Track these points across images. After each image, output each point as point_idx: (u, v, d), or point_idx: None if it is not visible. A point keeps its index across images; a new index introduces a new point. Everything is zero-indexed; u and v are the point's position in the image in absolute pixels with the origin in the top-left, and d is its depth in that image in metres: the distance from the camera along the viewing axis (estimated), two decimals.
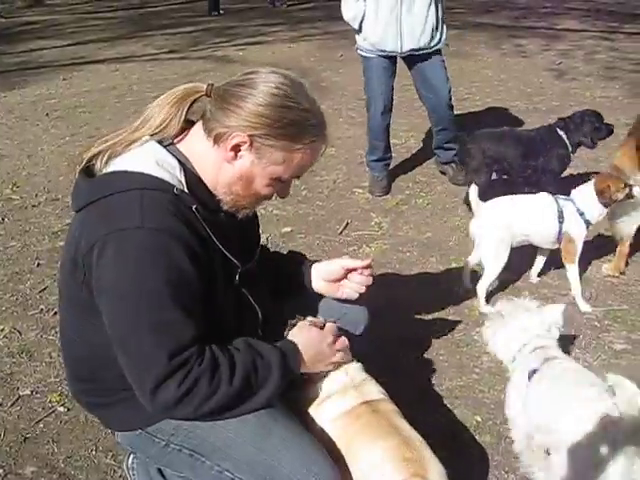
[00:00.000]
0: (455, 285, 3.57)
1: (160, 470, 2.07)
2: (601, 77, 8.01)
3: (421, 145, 5.87)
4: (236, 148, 1.79)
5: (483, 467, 2.42)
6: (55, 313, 3.42)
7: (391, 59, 4.71)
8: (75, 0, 19.20)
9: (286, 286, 2.30)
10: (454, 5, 14.61)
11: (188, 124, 1.90)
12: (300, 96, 1.81)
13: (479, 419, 2.65)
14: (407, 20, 4.43)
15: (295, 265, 2.32)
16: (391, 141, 5.74)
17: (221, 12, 14.20)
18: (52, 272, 3.86)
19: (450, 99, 4.86)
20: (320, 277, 2.27)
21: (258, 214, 2.20)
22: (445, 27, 4.65)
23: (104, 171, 1.80)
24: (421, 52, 4.61)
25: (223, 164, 1.83)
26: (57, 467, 2.46)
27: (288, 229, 4.37)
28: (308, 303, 2.29)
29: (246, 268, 1.97)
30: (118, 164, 1.78)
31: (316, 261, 2.35)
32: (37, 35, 13.03)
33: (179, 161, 1.81)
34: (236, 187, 1.86)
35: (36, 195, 5.08)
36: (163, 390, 1.66)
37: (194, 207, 1.76)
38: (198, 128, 1.86)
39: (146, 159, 1.77)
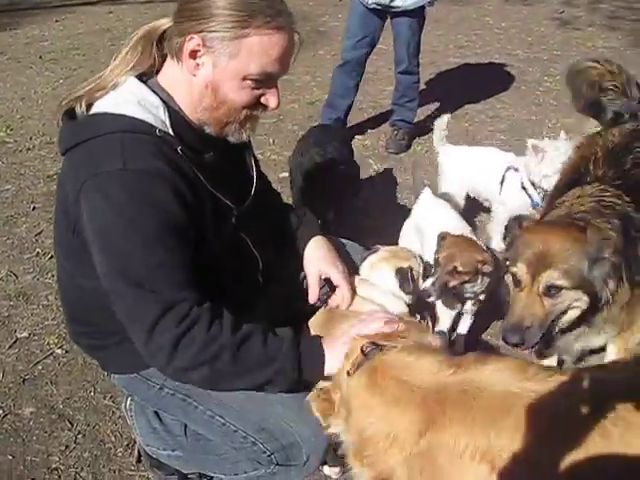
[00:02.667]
0: None
1: (157, 412, 2.09)
2: (604, 27, 7.90)
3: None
4: (194, 55, 1.69)
5: None
6: (51, 256, 3.41)
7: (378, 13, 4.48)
8: None
9: (283, 244, 2.22)
10: None
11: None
12: None
13: None
14: None
15: (301, 233, 2.22)
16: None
17: None
18: (48, 215, 3.84)
19: (413, 64, 4.68)
20: (311, 262, 2.14)
21: None
22: None
23: (87, 113, 1.74)
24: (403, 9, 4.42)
25: (192, 81, 1.74)
26: (56, 408, 2.48)
27: (285, 174, 4.34)
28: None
29: (243, 211, 1.92)
30: (100, 106, 1.73)
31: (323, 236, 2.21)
32: None
33: (161, 99, 1.75)
34: (207, 99, 1.75)
35: (30, 138, 5.02)
36: (158, 333, 1.60)
37: (179, 148, 1.70)
38: (169, 58, 1.79)
39: (128, 100, 1.71)
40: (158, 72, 1.80)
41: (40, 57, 7.23)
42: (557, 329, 2.07)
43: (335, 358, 1.68)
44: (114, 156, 1.62)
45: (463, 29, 7.91)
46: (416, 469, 1.42)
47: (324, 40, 7.43)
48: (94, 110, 1.73)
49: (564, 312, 2.02)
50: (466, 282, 2.41)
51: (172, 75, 1.77)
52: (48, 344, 2.82)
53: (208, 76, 1.71)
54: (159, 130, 1.69)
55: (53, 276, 3.25)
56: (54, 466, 2.24)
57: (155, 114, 1.71)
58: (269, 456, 1.79)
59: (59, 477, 2.20)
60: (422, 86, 5.93)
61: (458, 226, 2.79)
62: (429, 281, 2.36)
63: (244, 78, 1.70)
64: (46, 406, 2.49)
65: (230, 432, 1.83)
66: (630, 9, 8.67)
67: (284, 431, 1.76)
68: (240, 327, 1.67)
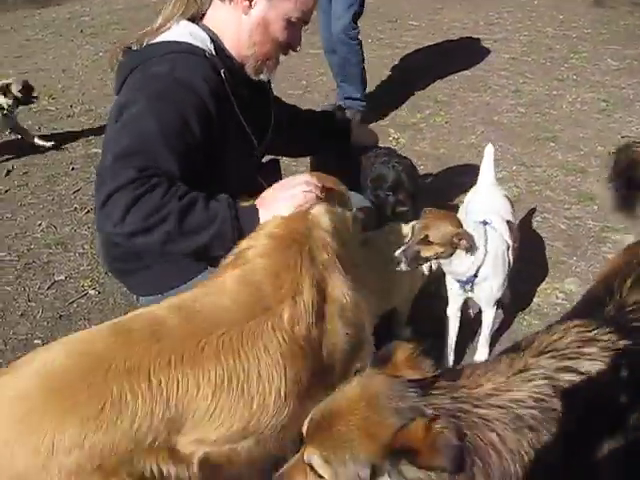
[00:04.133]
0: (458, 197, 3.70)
1: None
2: (639, 6, 7.85)
3: (443, 67, 5.90)
4: None
5: None
6: (88, 211, 3.68)
7: None
8: None
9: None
10: None
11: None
12: None
13: None
14: None
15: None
16: (415, 63, 5.86)
17: None
18: (86, 175, 4.11)
19: (346, 35, 4.65)
20: None
21: None
22: None
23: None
24: None
25: (241, 18, 2.07)
26: None
27: None
28: None
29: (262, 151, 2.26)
30: (157, 38, 2.06)
31: None
32: None
33: (209, 36, 2.07)
34: (256, 36, 2.09)
35: (71, 106, 5.30)
36: (117, 196, 1.74)
37: (222, 71, 2.01)
38: (214, 1, 2.11)
39: (181, 32, 2.04)
40: (202, 17, 2.12)
41: (81, 31, 7.52)
42: None
43: (269, 214, 1.86)
44: (165, 64, 1.93)
45: (494, 6, 7.94)
46: None
47: None
48: (151, 41, 2.07)
49: None
50: (440, 255, 2.37)
51: (220, 16, 2.11)
52: (82, 286, 3.08)
53: (261, 13, 2.07)
54: (207, 52, 2.01)
55: (89, 228, 3.51)
56: None
57: (203, 43, 2.03)
58: None
59: None
60: (447, 60, 6.09)
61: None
62: (400, 249, 2.39)
63: (289, 19, 2.08)
64: None
65: None
66: None
67: None
68: (186, 194, 1.82)
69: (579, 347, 1.46)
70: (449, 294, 2.65)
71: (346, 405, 1.28)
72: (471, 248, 2.36)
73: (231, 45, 2.12)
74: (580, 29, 6.98)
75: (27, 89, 4.27)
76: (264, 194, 1.94)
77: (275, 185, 1.96)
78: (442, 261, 2.44)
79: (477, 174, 3.87)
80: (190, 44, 2.01)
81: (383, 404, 1.26)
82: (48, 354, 1.50)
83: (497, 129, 4.64)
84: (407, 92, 5.36)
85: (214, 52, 2.05)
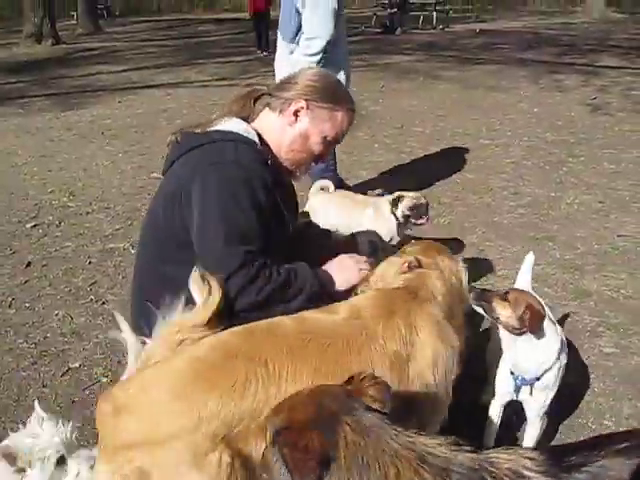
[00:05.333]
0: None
1: None
2: (633, 113, 8.23)
3: (446, 171, 6.18)
4: (296, 113, 2.43)
5: None
6: (103, 303, 3.85)
7: None
8: (133, 28, 20.18)
9: None
10: (499, 41, 15.07)
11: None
12: (336, 76, 2.65)
13: None
14: None
15: None
16: (421, 167, 6.15)
17: (269, 51, 13.05)
18: (102, 269, 4.30)
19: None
20: None
21: None
22: None
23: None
24: None
25: (286, 128, 2.45)
26: None
27: None
28: None
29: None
30: (213, 127, 2.41)
31: None
32: (96, 61, 13.82)
33: (257, 133, 2.42)
34: (296, 145, 2.46)
35: (90, 204, 5.56)
36: (233, 277, 2.14)
37: (269, 161, 2.36)
38: (265, 111, 2.52)
39: (235, 126, 2.39)
40: (250, 120, 2.50)
41: (102, 133, 7.93)
42: None
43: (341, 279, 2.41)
44: (230, 153, 2.27)
45: (496, 113, 8.36)
46: None
47: (363, 123, 7.92)
48: (209, 129, 2.42)
49: None
50: (507, 323, 2.31)
51: (267, 122, 2.50)
52: (96, 373, 3.19)
53: (303, 128, 2.45)
54: (258, 145, 2.36)
55: (104, 319, 3.66)
56: None
57: (253, 138, 2.37)
58: None
59: None
60: (450, 163, 6.38)
61: None
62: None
63: (325, 137, 2.47)
64: (91, 423, 2.82)
65: None
66: None
67: None
68: (281, 269, 2.26)
69: None
70: (497, 390, 2.53)
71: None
72: (536, 331, 2.27)
73: (272, 146, 2.47)
74: (577, 134, 7.32)
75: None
76: (333, 262, 2.46)
77: (341, 257, 2.49)
78: (508, 345, 2.38)
79: (478, 272, 4.08)
80: (245, 136, 2.36)
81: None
82: (196, 347, 1.92)
83: (497, 229, 4.83)
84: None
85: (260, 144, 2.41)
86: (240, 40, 16.96)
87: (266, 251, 2.25)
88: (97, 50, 15.79)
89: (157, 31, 19.54)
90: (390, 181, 5.92)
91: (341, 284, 2.43)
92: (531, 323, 2.24)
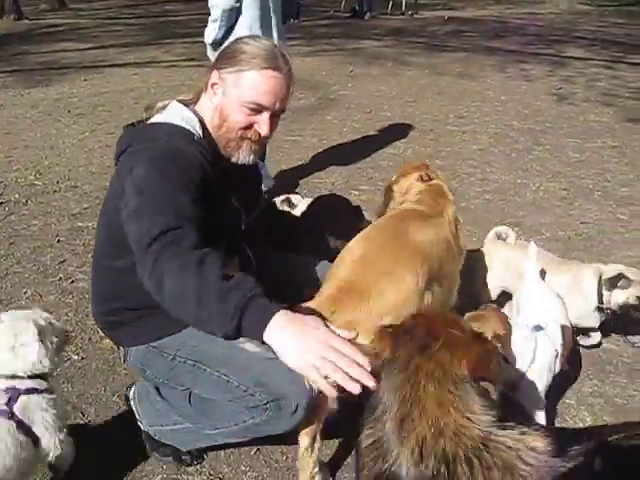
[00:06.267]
0: None
1: (159, 393, 2.48)
2: (598, 103, 8.38)
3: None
4: (214, 86, 2.27)
5: None
6: (72, 281, 3.84)
7: None
8: (98, 5, 19.82)
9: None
10: (467, 29, 15.15)
11: None
12: (251, 38, 2.35)
13: None
14: None
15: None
16: (389, 151, 6.23)
17: None
18: (71, 247, 4.28)
19: None
20: None
21: None
22: None
23: None
24: None
25: (209, 105, 2.31)
26: (70, 402, 2.84)
27: None
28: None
29: (249, 222, 2.43)
30: (153, 119, 2.31)
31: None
32: (60, 37, 13.54)
33: (198, 118, 2.30)
34: (218, 120, 2.28)
35: (57, 182, 5.49)
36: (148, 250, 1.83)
37: (205, 153, 2.21)
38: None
39: (174, 115, 2.27)
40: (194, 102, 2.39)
41: (69, 111, 7.80)
42: None
43: (290, 341, 1.59)
44: (162, 137, 2.17)
45: (464, 100, 8.43)
46: None
47: (332, 107, 7.98)
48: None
49: None
50: None
51: (202, 102, 2.35)
52: (66, 351, 3.17)
53: (219, 100, 2.28)
54: (196, 136, 2.24)
55: (73, 297, 3.66)
56: None
57: (192, 126, 2.25)
58: (265, 405, 2.16)
59: None
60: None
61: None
62: None
63: (242, 104, 2.23)
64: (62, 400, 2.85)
65: (233, 387, 2.21)
66: (624, 87, 9.19)
67: (277, 384, 2.14)
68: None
69: None
70: None
71: None
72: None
73: (209, 128, 2.33)
74: (543, 123, 7.43)
75: None
76: (298, 318, 1.65)
77: (310, 321, 1.65)
78: None
79: None
80: (182, 127, 2.24)
81: None
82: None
83: (464, 214, 4.87)
84: (381, 178, 5.65)
85: (201, 132, 2.28)
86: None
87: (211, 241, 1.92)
88: (61, 27, 15.45)
89: (123, 9, 19.14)
90: (359, 165, 5.97)
91: (288, 355, 1.61)
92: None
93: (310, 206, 3.54)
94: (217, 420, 2.35)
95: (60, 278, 3.90)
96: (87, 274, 3.91)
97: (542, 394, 2.62)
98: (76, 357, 3.16)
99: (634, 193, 5.35)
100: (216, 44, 4.80)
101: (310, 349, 1.55)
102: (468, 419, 1.43)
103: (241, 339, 1.71)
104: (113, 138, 6.53)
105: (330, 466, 2.49)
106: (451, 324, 1.57)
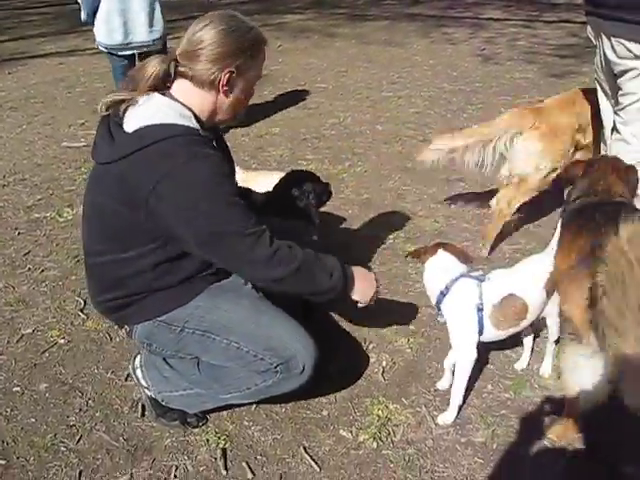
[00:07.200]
0: (389, 235, 4.13)
1: (166, 362, 2.59)
2: (521, 61, 8.71)
3: (356, 123, 6.44)
4: (228, 81, 2.26)
5: None
6: (42, 271, 3.87)
7: None
8: None
9: None
10: None
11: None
12: (236, 20, 2.34)
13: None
14: None
15: None
16: (330, 120, 6.37)
17: None
18: (33, 239, 4.28)
19: None
20: None
21: None
22: None
23: (126, 123, 2.21)
24: None
25: (219, 99, 2.31)
26: (66, 382, 2.91)
27: None
28: None
29: None
30: (146, 118, 2.19)
31: None
32: None
33: (190, 112, 2.28)
34: (232, 108, 2.37)
35: (4, 176, 5.42)
36: (258, 249, 2.18)
37: (213, 142, 2.31)
38: (183, 82, 2.30)
39: (168, 112, 2.20)
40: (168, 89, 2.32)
41: (0, 106, 7.64)
42: None
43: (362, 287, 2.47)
44: (181, 152, 2.13)
45: (394, 67, 8.63)
46: None
47: (266, 82, 8.02)
48: (143, 122, 2.18)
49: None
50: None
51: (191, 94, 2.29)
52: (51, 337, 3.24)
53: (237, 95, 2.34)
54: (199, 131, 2.24)
55: (46, 285, 3.69)
56: (72, 424, 2.66)
57: (190, 120, 2.25)
58: (275, 367, 2.33)
59: (77, 431, 2.62)
60: (358, 116, 6.62)
61: None
62: None
63: (247, 92, 2.38)
64: (57, 382, 2.92)
65: (243, 353, 2.35)
66: (544, 45, 9.55)
67: (284, 347, 2.32)
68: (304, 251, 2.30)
69: None
70: None
71: None
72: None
73: (203, 116, 2.33)
74: (473, 83, 7.70)
75: None
76: (357, 268, 2.50)
77: (364, 270, 2.56)
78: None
79: (400, 213, 4.35)
80: (184, 126, 2.20)
81: None
82: None
83: (412, 175, 5.10)
84: (326, 147, 5.81)
85: (197, 124, 2.26)
86: None
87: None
88: None
89: None
90: (302, 137, 6.10)
91: (358, 293, 2.46)
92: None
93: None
94: (230, 385, 2.48)
95: (29, 269, 3.92)
96: (56, 262, 3.97)
97: (460, 339, 2.64)
98: (62, 341, 3.21)
99: None
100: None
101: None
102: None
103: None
104: (52, 129, 6.62)
105: None
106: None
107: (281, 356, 2.32)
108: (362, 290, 2.47)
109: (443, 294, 2.60)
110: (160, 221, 2.17)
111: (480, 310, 2.55)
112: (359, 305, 2.52)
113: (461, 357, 2.62)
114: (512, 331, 2.69)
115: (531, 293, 2.61)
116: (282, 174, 3.43)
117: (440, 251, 2.68)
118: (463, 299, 2.58)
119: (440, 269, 2.66)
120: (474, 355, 2.59)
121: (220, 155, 2.27)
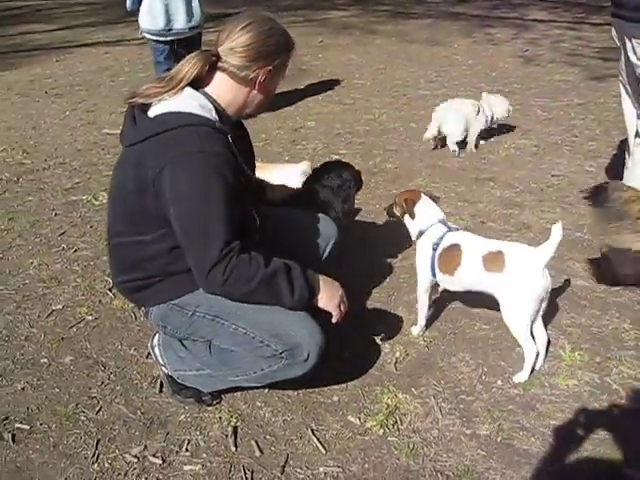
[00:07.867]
0: None
1: (182, 343, 2.70)
2: (563, 63, 8.63)
3: (390, 120, 6.49)
4: (264, 77, 2.42)
5: None
6: (75, 250, 4.02)
7: None
8: None
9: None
10: None
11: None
12: (274, 22, 2.47)
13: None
14: None
15: None
16: (365, 116, 6.44)
17: None
18: (69, 220, 4.45)
19: None
20: None
21: None
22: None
23: (151, 110, 2.34)
24: None
25: (252, 94, 2.46)
26: (91, 357, 3.05)
27: None
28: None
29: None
30: (169, 106, 2.32)
31: None
32: (24, 19, 13.42)
33: (211, 103, 2.40)
34: (265, 100, 2.53)
35: (45, 160, 5.63)
36: (215, 269, 2.22)
37: (229, 136, 2.36)
38: (221, 76, 2.42)
39: (191, 103, 2.32)
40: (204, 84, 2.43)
41: (46, 92, 7.88)
42: None
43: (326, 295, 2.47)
44: (194, 141, 2.24)
45: (434, 66, 8.65)
46: None
47: (305, 77, 8.13)
48: (165, 109, 2.31)
49: None
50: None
51: (224, 89, 2.44)
52: (80, 313, 3.38)
53: (270, 90, 2.52)
54: (217, 123, 2.34)
55: (79, 264, 3.84)
56: (93, 395, 2.79)
57: (210, 112, 2.35)
58: (280, 354, 2.42)
59: (98, 402, 2.74)
60: (393, 113, 6.67)
61: None
62: None
63: (274, 89, 2.55)
64: (82, 356, 3.05)
65: (250, 339, 2.44)
66: (588, 47, 9.43)
67: (290, 334, 2.40)
68: (269, 263, 2.31)
69: None
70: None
71: None
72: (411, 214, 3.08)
73: (231, 109, 2.46)
74: (511, 84, 7.67)
75: None
76: (323, 277, 2.51)
77: (331, 280, 2.54)
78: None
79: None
80: (203, 117, 2.31)
81: None
82: None
83: (442, 172, 5.15)
84: (359, 142, 5.87)
85: (217, 117, 2.37)
86: None
87: (245, 235, 2.32)
88: (23, 9, 15.30)
89: None
90: (337, 131, 6.17)
91: (322, 300, 2.47)
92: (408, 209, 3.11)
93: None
94: (237, 368, 2.58)
95: (63, 248, 4.07)
96: (89, 243, 4.12)
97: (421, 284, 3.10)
98: (90, 317, 3.35)
99: (600, 147, 5.62)
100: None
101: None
102: None
103: None
104: (94, 116, 6.81)
105: None
106: None
107: (286, 343, 2.40)
108: (326, 297, 2.47)
109: (421, 233, 3.06)
110: (163, 204, 2.27)
111: (434, 250, 2.97)
112: (332, 320, 2.52)
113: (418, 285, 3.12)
114: (451, 281, 2.98)
115: (472, 255, 2.87)
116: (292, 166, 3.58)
117: (423, 196, 3.15)
118: (428, 237, 3.02)
119: (424, 213, 3.09)
120: (424, 285, 3.09)
121: (228, 154, 2.31)
